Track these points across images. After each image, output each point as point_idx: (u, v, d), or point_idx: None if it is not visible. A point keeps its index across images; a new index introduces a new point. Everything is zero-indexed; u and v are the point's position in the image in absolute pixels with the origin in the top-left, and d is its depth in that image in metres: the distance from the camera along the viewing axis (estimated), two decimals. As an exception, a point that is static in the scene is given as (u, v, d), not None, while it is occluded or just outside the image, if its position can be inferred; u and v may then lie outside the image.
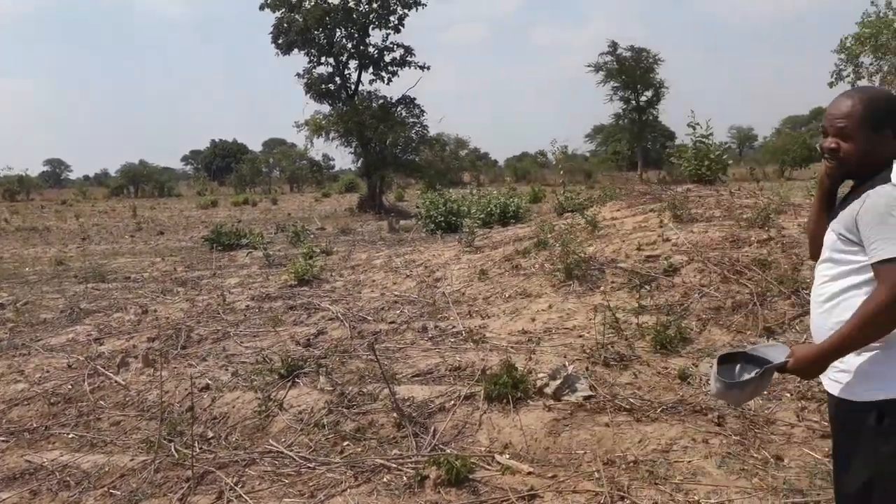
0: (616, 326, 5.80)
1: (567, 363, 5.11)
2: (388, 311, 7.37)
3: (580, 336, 5.87)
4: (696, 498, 3.45)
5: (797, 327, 5.58)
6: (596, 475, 3.70)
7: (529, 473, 3.79)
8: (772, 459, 3.81)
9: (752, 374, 2.31)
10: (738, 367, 2.40)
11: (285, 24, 27.96)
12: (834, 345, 2.09)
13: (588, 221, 9.00)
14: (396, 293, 8.16)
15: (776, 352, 2.33)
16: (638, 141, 54.00)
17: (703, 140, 10.90)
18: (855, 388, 2.16)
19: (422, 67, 28.91)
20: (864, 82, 23.22)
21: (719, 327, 5.76)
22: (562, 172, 16.22)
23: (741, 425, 4.22)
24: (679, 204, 8.89)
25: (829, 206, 2.34)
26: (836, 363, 2.21)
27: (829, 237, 2.23)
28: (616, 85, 51.36)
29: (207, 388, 5.39)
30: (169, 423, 4.75)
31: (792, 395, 4.55)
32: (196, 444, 4.42)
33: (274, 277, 9.96)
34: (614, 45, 50.08)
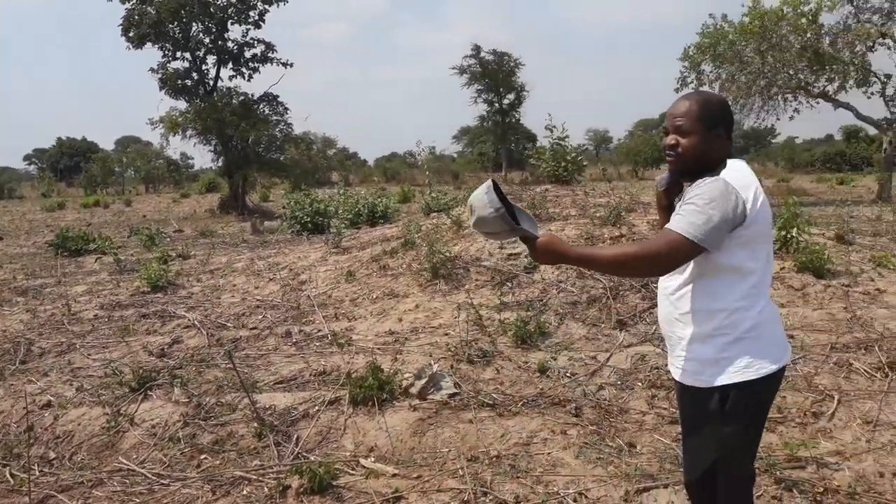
0: (480, 323, 5.92)
1: (433, 362, 5.14)
2: (250, 317, 7.13)
3: (446, 334, 5.93)
4: (556, 489, 3.57)
5: (647, 319, 5.92)
6: (460, 472, 3.75)
7: (394, 475, 3.78)
8: (625, 447, 4.01)
9: (506, 222, 2.31)
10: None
11: (136, 17, 26.47)
12: (580, 257, 2.28)
13: (454, 221, 9.12)
14: (259, 297, 7.91)
15: (531, 225, 2.41)
16: (502, 142, 55.49)
17: (560, 142, 11.33)
18: (701, 374, 2.32)
19: (285, 64, 28.33)
20: (705, 88, 25.04)
21: (576, 321, 6.00)
22: (428, 173, 16.33)
23: (597, 415, 4.41)
24: (538, 203, 9.20)
25: (671, 207, 2.49)
26: (680, 352, 2.36)
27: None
28: (480, 87, 52.55)
29: (49, 405, 4.99)
30: (3, 445, 4.36)
31: (643, 384, 4.81)
32: (35, 467, 4.09)
33: (125, 284, 9.39)
34: (477, 49, 51.23)
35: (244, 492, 3.70)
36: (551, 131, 11.21)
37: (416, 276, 7.51)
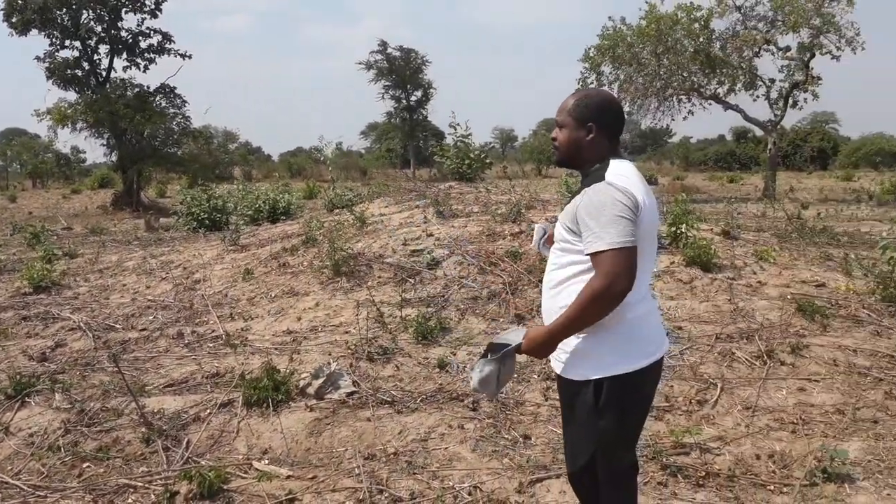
0: (381, 321, 5.88)
1: (331, 361, 5.07)
2: (140, 318, 6.82)
3: (346, 332, 5.86)
4: (451, 483, 3.58)
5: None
6: (356, 471, 3.71)
7: (289, 477, 3.70)
8: (521, 439, 4.07)
9: (490, 359, 2.42)
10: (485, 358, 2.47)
11: (20, 1, 24.89)
12: (559, 326, 2.27)
13: (357, 218, 9.04)
14: (150, 297, 7.59)
15: (516, 335, 2.45)
16: (410, 139, 55.45)
17: (464, 140, 11.42)
18: (575, 368, 2.37)
19: (183, 56, 27.29)
20: (605, 88, 25.84)
21: (476, 316, 6.05)
22: (331, 169, 16.12)
23: (494, 409, 4.46)
24: (442, 200, 9.23)
25: None
26: (559, 345, 2.39)
27: (558, 228, 2.43)
28: (387, 84, 52.27)
29: (-87, 417, 4.62)
30: None
31: (539, 376, 4.90)
32: None
33: (5, 285, 8.81)
34: (384, 45, 50.90)
35: (129, 500, 3.53)
36: (455, 129, 11.28)
37: (317, 273, 7.39)
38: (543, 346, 2.33)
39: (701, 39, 24.37)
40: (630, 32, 24.81)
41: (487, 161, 12.20)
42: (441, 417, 4.33)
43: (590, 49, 25.68)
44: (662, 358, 2.46)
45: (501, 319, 5.94)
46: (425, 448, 3.99)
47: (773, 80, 25.09)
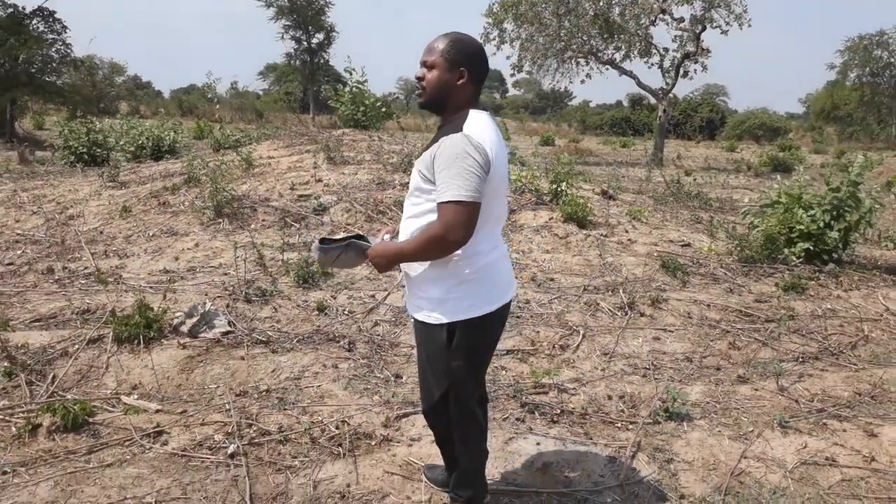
0: (262, 263, 5.85)
1: (207, 301, 5.03)
2: (7, 252, 6.49)
3: (225, 274, 5.81)
4: (320, 418, 3.69)
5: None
6: (226, 407, 3.75)
7: (158, 411, 3.70)
8: (392, 378, 4.22)
9: (339, 244, 2.59)
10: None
11: None
12: (400, 253, 2.38)
13: (243, 159, 8.84)
14: (19, 232, 7.21)
15: (372, 241, 2.60)
16: (310, 83, 53.97)
17: (360, 86, 11.28)
18: (431, 312, 2.47)
19: (65, -24, 25.31)
20: (507, 47, 26.04)
21: (359, 262, 6.11)
22: (218, 107, 15.53)
23: (369, 349, 4.58)
24: (333, 147, 9.16)
25: None
26: (416, 291, 2.51)
27: (414, 175, 2.45)
28: (287, 24, 50.49)
29: None
30: None
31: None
32: None
33: None
34: (286, -19, 49.01)
35: (-15, 434, 3.44)
36: (350, 74, 11.11)
37: (198, 214, 7.23)
38: (386, 261, 2.42)
39: (601, 3, 24.82)
40: (534, -10, 24.96)
41: (385, 111, 12.09)
42: (316, 357, 4.41)
43: (493, 4, 25.66)
44: (510, 301, 2.62)
45: (384, 266, 6.03)
46: (298, 386, 4.07)
47: (666, 50, 25.96)
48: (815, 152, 34.34)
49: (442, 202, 2.23)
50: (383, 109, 11.85)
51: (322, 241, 2.63)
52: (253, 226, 6.84)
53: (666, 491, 3.20)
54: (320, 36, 52.21)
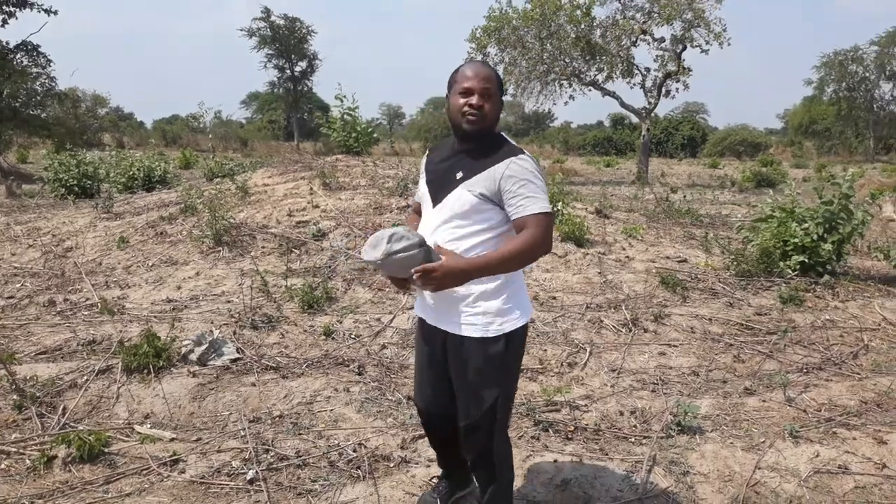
0: (265, 290, 5.86)
1: (214, 328, 5.03)
2: (6, 286, 6.46)
3: (229, 302, 5.81)
4: (337, 442, 3.70)
5: (428, 283, 6.21)
6: (241, 433, 3.74)
7: (172, 440, 3.69)
8: (404, 400, 4.23)
9: (415, 243, 2.38)
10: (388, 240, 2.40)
11: None
12: (478, 266, 2.37)
13: (239, 187, 8.87)
14: (16, 265, 7.18)
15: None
16: (293, 111, 54.25)
17: (351, 112, 11.38)
18: (490, 325, 2.51)
19: (48, 11, 25.35)
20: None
21: (362, 286, 6.15)
22: (211, 137, 15.59)
23: (379, 372, 4.60)
24: (328, 173, 9.21)
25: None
26: (466, 308, 2.51)
27: (464, 197, 2.47)
28: (270, 52, 50.85)
29: None
30: None
31: (422, 343, 5.08)
32: None
33: None
34: (267, 11, 49.41)
35: (2, 466, 3.42)
36: (342, 101, 11.22)
37: (197, 243, 7.24)
38: (456, 277, 2.38)
39: (582, 26, 25.21)
40: (516, 15, 25.29)
41: (375, 136, 12.21)
42: (327, 381, 4.42)
43: (476, 29, 25.98)
44: None
45: (387, 289, 6.07)
46: (311, 410, 4.08)
47: (648, 70, 26.37)
48: (796, 167, 34.80)
49: (529, 215, 2.38)
50: (375, 135, 11.97)
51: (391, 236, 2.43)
52: (253, 253, 6.85)
53: (685, 503, 3.22)
54: (303, 64, 52.57)
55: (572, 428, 3.91)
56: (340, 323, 5.42)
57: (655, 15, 25.14)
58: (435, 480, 3.17)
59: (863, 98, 48.48)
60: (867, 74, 47.82)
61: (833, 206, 7.19)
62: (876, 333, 5.72)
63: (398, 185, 8.61)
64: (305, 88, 54.07)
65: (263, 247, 7.07)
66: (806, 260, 7.08)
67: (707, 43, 24.50)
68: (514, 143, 2.55)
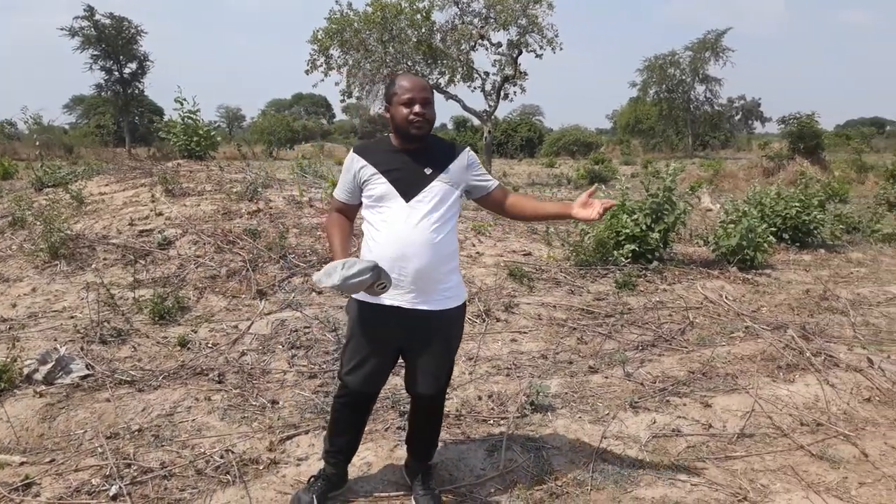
0: (112, 303, 5.61)
1: (59, 346, 4.77)
2: None
3: (72, 317, 5.50)
4: (203, 450, 3.65)
5: (286, 287, 6.20)
6: (99, 450, 3.61)
7: (23, 464, 3.49)
8: (269, 404, 4.24)
9: (367, 267, 2.61)
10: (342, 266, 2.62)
11: None
12: (560, 204, 3.14)
13: (74, 196, 8.35)
14: None
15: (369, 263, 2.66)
16: (124, 115, 51.06)
17: (191, 116, 11.00)
18: (458, 297, 2.98)
19: None
20: (334, 73, 26.23)
21: (216, 294, 6.03)
22: (38, 143, 14.44)
23: (240, 379, 4.56)
24: (170, 179, 8.88)
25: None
26: (440, 285, 2.87)
27: (439, 189, 2.85)
28: (96, 53, 47.56)
29: None
30: None
31: (283, 346, 5.08)
32: None
33: None
34: (91, 10, 46.14)
35: None
36: (181, 104, 10.80)
37: (30, 257, 6.76)
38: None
39: (423, 30, 25.69)
40: (357, 18, 25.34)
41: (218, 139, 11.86)
42: (186, 392, 4.33)
43: (318, 31, 25.76)
44: None
45: (243, 296, 5.99)
46: (172, 422, 3.98)
47: (487, 74, 27.29)
48: (625, 164, 37.38)
49: (497, 185, 3.07)
50: (218, 139, 11.63)
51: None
52: (95, 265, 6.50)
53: (542, 475, 3.50)
54: (133, 65, 49.62)
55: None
56: (195, 332, 5.30)
57: (492, 20, 26.09)
58: (312, 479, 3.21)
59: (681, 99, 52.82)
60: (684, 77, 52.18)
61: (658, 199, 7.91)
62: (699, 311, 6.38)
63: (247, 189, 8.46)
64: (136, 91, 51.04)
65: (105, 258, 6.73)
66: (637, 248, 7.74)
67: (541, 48, 25.78)
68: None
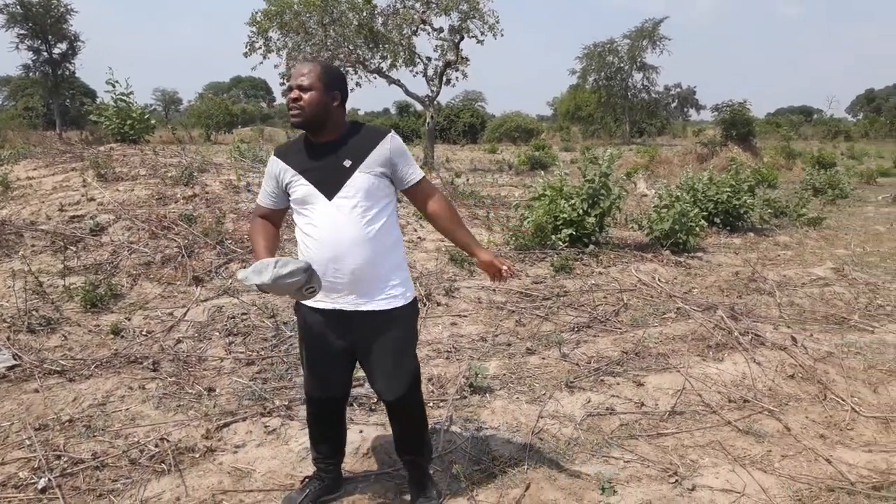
0: (40, 291, 5.44)
1: (-18, 336, 4.61)
2: None
3: (-2, 306, 5.32)
4: (136, 439, 3.59)
5: (223, 273, 6.11)
6: (27, 442, 3.51)
7: (-56, 459, 3.38)
8: (205, 392, 4.19)
9: (300, 268, 2.46)
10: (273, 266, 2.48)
11: None
12: (472, 237, 2.95)
13: (-2, 182, 8.04)
14: None
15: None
16: (54, 97, 49.13)
17: (124, 98, 10.67)
18: (405, 293, 2.79)
19: None
20: (273, 56, 25.74)
21: (150, 281, 5.90)
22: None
23: (176, 367, 4.49)
24: (103, 163, 8.62)
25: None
26: (382, 284, 2.71)
27: (363, 179, 2.63)
28: (23, 32, 45.56)
29: None
30: None
31: (220, 333, 5.03)
32: None
33: None
34: (17, -13, 44.15)
35: None
36: (113, 86, 10.48)
37: (-49, 244, 6.48)
38: (498, 259, 2.93)
39: (364, 14, 25.43)
40: (297, 0, 24.91)
41: (153, 122, 11.54)
42: (120, 381, 4.24)
43: (257, 13, 25.23)
44: None
45: (179, 282, 5.88)
46: (104, 412, 3.90)
47: (429, 59, 27.20)
48: (565, 150, 37.87)
49: (420, 178, 2.78)
50: (152, 122, 11.33)
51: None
52: (22, 252, 6.28)
53: (479, 455, 3.55)
54: (63, 45, 47.75)
55: (375, 400, 4.11)
56: (129, 320, 5.19)
57: (434, 5, 25.98)
58: (306, 480, 3.15)
59: (619, 87, 53.62)
60: (622, 65, 52.98)
61: (595, 184, 8.05)
62: (633, 293, 6.55)
63: (182, 173, 8.27)
64: (67, 72, 49.14)
65: (34, 245, 6.50)
66: (574, 232, 7.88)
67: (482, 34, 25.80)
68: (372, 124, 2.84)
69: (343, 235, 2.60)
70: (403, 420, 2.98)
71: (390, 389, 2.82)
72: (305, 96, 2.60)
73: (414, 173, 2.75)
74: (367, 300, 2.69)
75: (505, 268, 2.91)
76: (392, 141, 2.70)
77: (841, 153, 33.53)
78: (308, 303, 2.75)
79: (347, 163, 2.63)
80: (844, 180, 16.99)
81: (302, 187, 2.66)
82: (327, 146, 2.67)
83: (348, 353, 2.82)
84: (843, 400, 4.29)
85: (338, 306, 2.71)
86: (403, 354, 2.83)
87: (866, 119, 66.14)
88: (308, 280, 2.48)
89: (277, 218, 2.87)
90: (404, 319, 2.79)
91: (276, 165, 2.76)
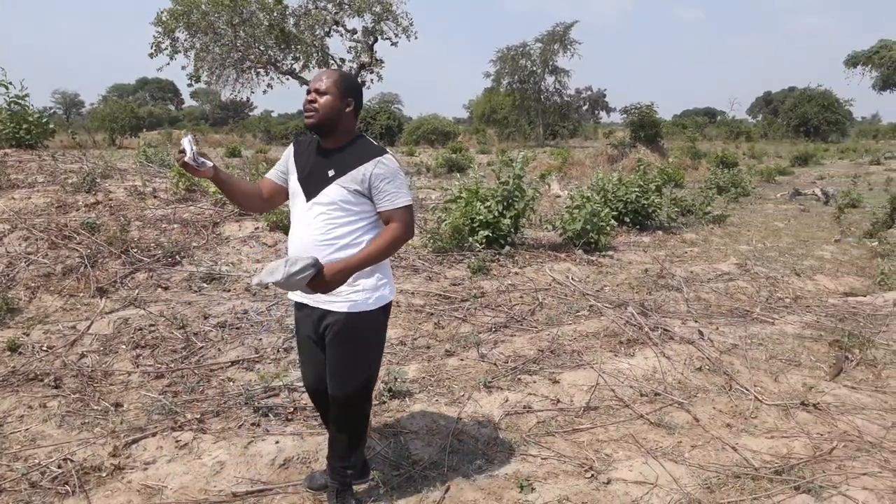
0: (-74, 307, 5.09)
1: None
2: None
3: None
4: (37, 461, 3.41)
5: (129, 284, 5.87)
6: (-87, 470, 3.27)
7: None
8: (112, 407, 4.01)
9: (309, 264, 2.64)
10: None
11: None
12: (358, 262, 2.73)
13: None
14: None
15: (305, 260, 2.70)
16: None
17: (19, 101, 10.12)
18: (368, 300, 2.83)
19: None
20: (180, 56, 24.95)
21: (50, 293, 5.61)
22: None
23: (79, 383, 4.29)
24: (-4, 169, 8.15)
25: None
26: (346, 288, 2.78)
27: (335, 191, 2.75)
28: None
29: None
30: None
31: (127, 346, 4.82)
32: None
33: None
34: None
35: None
36: (7, 88, 9.91)
37: None
38: (341, 275, 2.71)
39: (275, 14, 25.01)
40: (205, 0, 24.24)
41: (52, 127, 10.98)
42: (18, 400, 4.02)
43: (162, 13, 24.41)
44: None
45: (82, 294, 5.62)
46: (1, 433, 3.69)
47: (343, 60, 27.01)
48: (481, 152, 38.19)
49: (398, 207, 2.77)
50: (51, 126, 10.77)
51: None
52: None
53: (399, 460, 3.54)
54: (-51, 44, 44.84)
55: (292, 409, 4.04)
56: (27, 335, 4.92)
57: (346, 6, 25.82)
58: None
59: (532, 90, 54.61)
60: (535, 68, 53.97)
61: (509, 186, 8.17)
62: (548, 292, 6.68)
63: (84, 180, 7.91)
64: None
65: (-82, 258, 6.08)
66: (490, 234, 7.97)
67: (396, 36, 25.84)
68: (376, 144, 2.85)
69: (308, 235, 2.79)
70: (338, 421, 3.05)
71: (334, 386, 2.94)
72: (321, 99, 2.74)
73: (383, 203, 2.77)
74: (328, 299, 2.82)
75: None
76: (377, 166, 2.76)
77: (743, 153, 35.18)
78: (291, 296, 2.98)
79: (331, 172, 2.78)
80: (746, 179, 17.84)
81: (294, 183, 2.88)
82: (327, 153, 2.82)
83: (321, 346, 2.97)
84: (747, 390, 4.50)
85: (304, 299, 2.91)
86: (353, 361, 2.92)
87: (765, 120, 69.68)
88: (318, 274, 2.68)
89: (269, 190, 3.01)
90: (362, 328, 2.87)
91: (290, 150, 2.99)
